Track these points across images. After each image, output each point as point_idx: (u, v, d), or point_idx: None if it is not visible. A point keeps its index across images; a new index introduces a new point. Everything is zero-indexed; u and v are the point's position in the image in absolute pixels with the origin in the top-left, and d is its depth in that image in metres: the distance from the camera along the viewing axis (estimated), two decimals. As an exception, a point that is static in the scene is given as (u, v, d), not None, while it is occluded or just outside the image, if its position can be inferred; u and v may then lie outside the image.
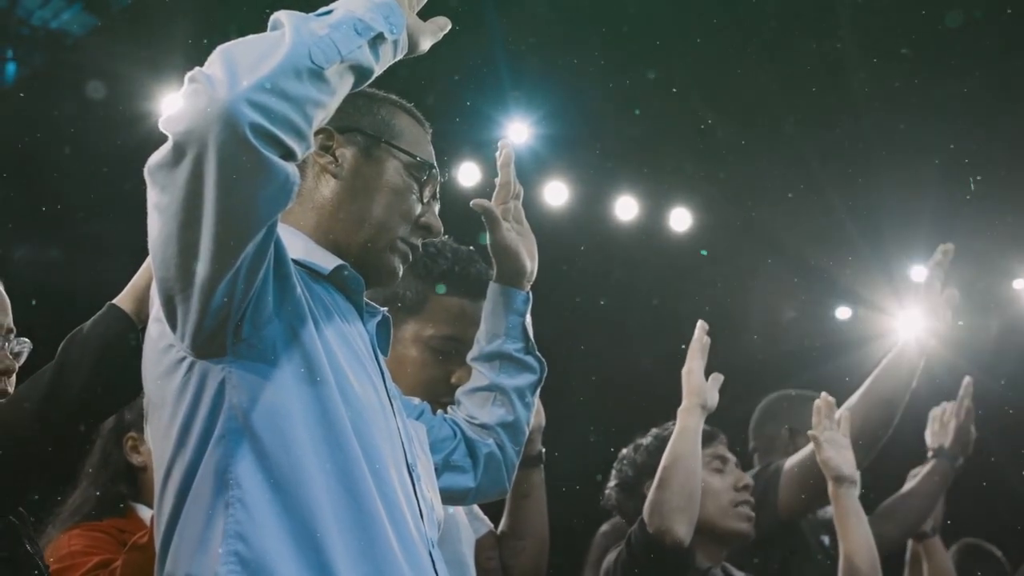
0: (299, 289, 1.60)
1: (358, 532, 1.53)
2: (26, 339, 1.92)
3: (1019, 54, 5.37)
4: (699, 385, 2.67)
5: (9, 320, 1.91)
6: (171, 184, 1.42)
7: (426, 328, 2.29)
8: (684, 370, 2.70)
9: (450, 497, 2.00)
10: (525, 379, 2.08)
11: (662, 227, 6.59)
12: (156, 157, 1.44)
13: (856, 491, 2.85)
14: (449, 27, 1.70)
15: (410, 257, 1.84)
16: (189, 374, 1.54)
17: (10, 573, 1.76)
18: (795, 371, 5.10)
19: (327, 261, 1.74)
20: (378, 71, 1.57)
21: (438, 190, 1.88)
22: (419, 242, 1.85)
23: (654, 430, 2.95)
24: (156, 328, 1.59)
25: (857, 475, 2.87)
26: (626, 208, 6.45)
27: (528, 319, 2.10)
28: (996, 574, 4.18)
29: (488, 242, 2.07)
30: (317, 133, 1.66)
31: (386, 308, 1.85)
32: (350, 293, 1.76)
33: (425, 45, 1.66)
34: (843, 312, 7.12)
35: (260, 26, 1.52)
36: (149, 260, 1.56)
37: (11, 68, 5.28)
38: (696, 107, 5.95)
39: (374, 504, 1.56)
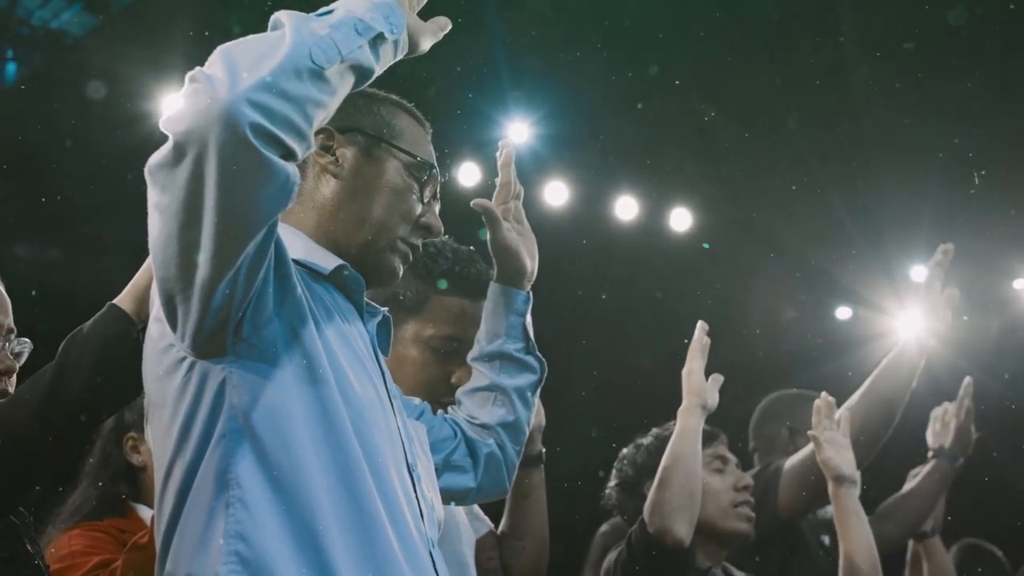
0: (299, 289, 1.60)
1: (358, 532, 1.53)
2: (26, 339, 1.92)
3: (1019, 54, 5.37)
4: (699, 385, 2.67)
5: (9, 320, 1.91)
6: (171, 184, 1.42)
7: (426, 328, 2.29)
8: (684, 370, 2.70)
9: (450, 497, 2.00)
10: (525, 379, 2.08)
11: (662, 227, 6.60)
12: (156, 157, 1.44)
13: (856, 491, 2.84)
14: (450, 27, 1.70)
15: (410, 257, 1.84)
16: (189, 374, 1.54)
17: (11, 573, 1.76)
18: (795, 371, 5.10)
19: (327, 261, 1.74)
20: (378, 71, 1.56)
21: (438, 190, 1.88)
22: (419, 242, 1.85)
23: (655, 430, 2.95)
24: (156, 328, 1.59)
25: (857, 475, 2.87)
26: (626, 208, 6.45)
27: (528, 319, 2.10)
28: (996, 574, 4.18)
29: (488, 242, 2.07)
30: (317, 133, 1.66)
31: (386, 308, 1.85)
32: (350, 293, 1.76)
33: (425, 45, 1.66)
34: (843, 312, 7.13)
35: (260, 26, 1.52)
36: (149, 260, 1.56)
37: (11, 68, 5.28)
38: (696, 107, 5.95)
39: (374, 504, 1.56)
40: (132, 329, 1.70)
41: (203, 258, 1.44)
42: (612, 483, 3.00)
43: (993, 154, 5.67)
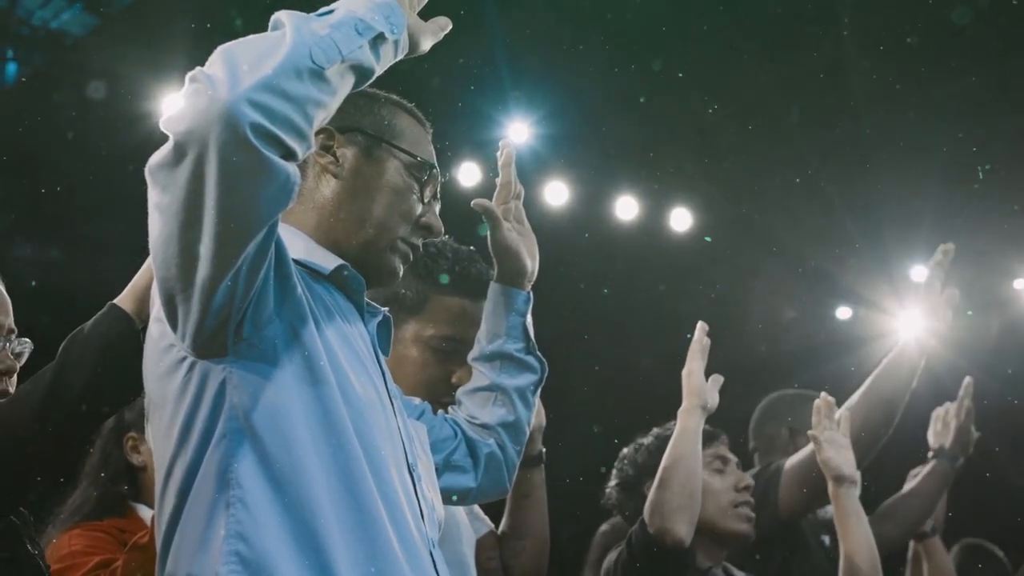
0: (300, 289, 1.60)
1: (359, 532, 1.53)
2: (27, 339, 1.92)
3: (1019, 54, 5.38)
4: (699, 386, 2.67)
5: (10, 320, 1.91)
6: (172, 184, 1.42)
7: (427, 328, 2.29)
8: (684, 371, 2.70)
9: (451, 497, 2.00)
10: (526, 379, 2.08)
11: (662, 227, 6.60)
12: (157, 157, 1.43)
13: (856, 491, 2.85)
14: (450, 27, 1.70)
15: (411, 257, 1.84)
16: (190, 374, 1.54)
17: (11, 573, 1.76)
18: (795, 371, 5.11)
19: (328, 261, 1.74)
20: (379, 71, 1.56)
21: (439, 190, 1.88)
22: (420, 242, 1.85)
23: (655, 430, 2.95)
24: (157, 328, 1.59)
25: (857, 475, 2.87)
26: (626, 208, 6.46)
27: (529, 319, 2.10)
28: (997, 574, 4.18)
29: (489, 242, 2.08)
30: (318, 133, 1.66)
31: (387, 308, 1.85)
32: (351, 293, 1.76)
33: (426, 45, 1.66)
34: (843, 312, 7.13)
35: (261, 26, 1.52)
36: (150, 260, 1.56)
37: (11, 68, 5.28)
38: (696, 107, 5.95)
39: (375, 504, 1.56)
40: (133, 329, 1.70)
41: (204, 258, 1.44)
42: (612, 482, 3.00)
43: (993, 154, 5.67)
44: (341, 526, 1.52)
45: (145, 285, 1.72)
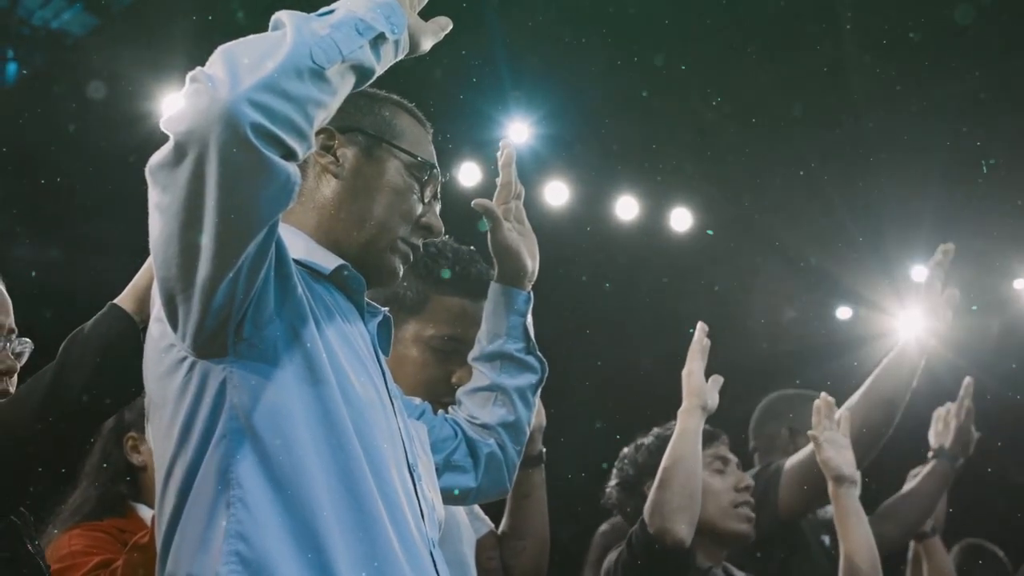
0: (300, 289, 1.60)
1: (359, 532, 1.53)
2: (27, 339, 1.92)
3: (1019, 54, 5.38)
4: (699, 386, 2.67)
5: (10, 320, 1.91)
6: (172, 184, 1.42)
7: (427, 328, 2.29)
8: (684, 371, 2.70)
9: (451, 497, 2.00)
10: (526, 379, 2.08)
11: (662, 227, 6.60)
12: (157, 157, 1.43)
13: (856, 491, 2.85)
14: (450, 27, 1.70)
15: (411, 257, 1.84)
16: (190, 374, 1.54)
17: (11, 573, 1.76)
18: (795, 371, 5.10)
19: (328, 261, 1.74)
20: (379, 71, 1.56)
21: (439, 190, 1.88)
22: (420, 242, 1.85)
23: (656, 429, 2.95)
24: (157, 328, 1.59)
25: (857, 475, 2.87)
26: (626, 208, 6.46)
27: (529, 319, 2.10)
28: (997, 574, 4.18)
29: (489, 242, 2.08)
30: (318, 133, 1.66)
31: (387, 308, 1.85)
32: (351, 293, 1.76)
33: (426, 45, 1.66)
34: (844, 312, 7.13)
35: (261, 25, 1.52)
36: (150, 260, 1.56)
37: (12, 68, 5.28)
38: (696, 106, 5.95)
39: (375, 504, 1.55)
40: (133, 329, 1.70)
41: (204, 258, 1.44)
42: (613, 482, 3.00)
43: (994, 154, 5.67)
44: (341, 526, 1.52)
45: (145, 285, 1.72)
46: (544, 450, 2.61)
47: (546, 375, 2.12)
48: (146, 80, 4.91)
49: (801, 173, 6.09)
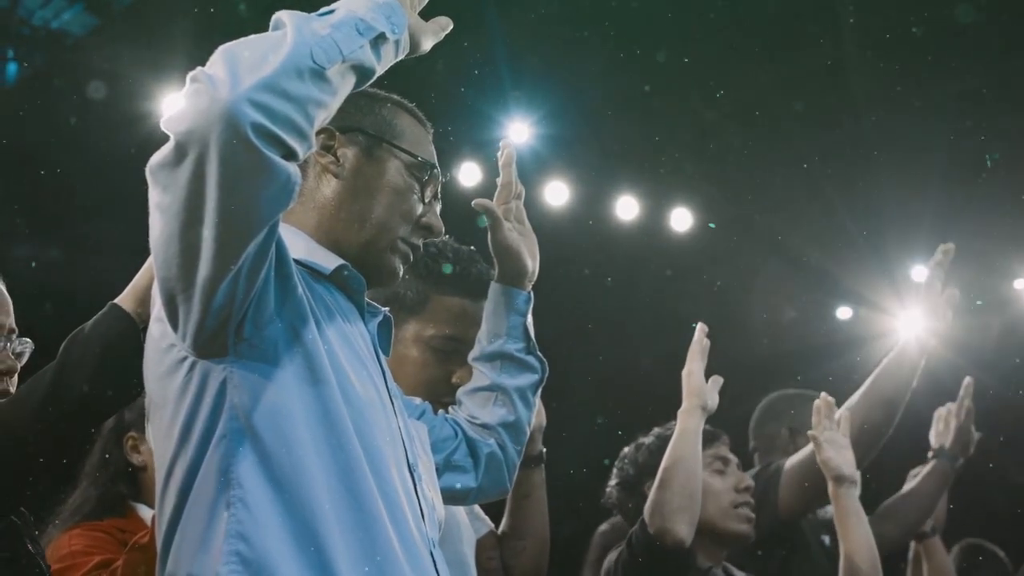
0: (300, 289, 1.60)
1: (359, 532, 1.53)
2: (27, 339, 1.92)
3: (1020, 53, 5.38)
4: (699, 387, 2.67)
5: (11, 320, 1.91)
6: (173, 184, 1.42)
7: (427, 328, 2.29)
8: (684, 372, 2.70)
9: (451, 497, 2.00)
10: (526, 379, 2.08)
11: (662, 227, 6.60)
12: (158, 157, 1.43)
13: (856, 491, 2.85)
14: (451, 27, 1.70)
15: (411, 257, 1.84)
16: (191, 374, 1.54)
17: (11, 573, 1.76)
18: (795, 371, 5.10)
19: (328, 261, 1.74)
20: (380, 71, 1.56)
21: (439, 190, 1.88)
22: (420, 242, 1.85)
23: (656, 429, 2.95)
24: (157, 328, 1.59)
25: (857, 475, 2.87)
26: (626, 208, 6.46)
27: (529, 319, 2.10)
28: (997, 574, 4.19)
29: (490, 242, 2.08)
30: (319, 133, 1.66)
31: (387, 308, 1.85)
32: (351, 293, 1.76)
33: (427, 45, 1.66)
34: (844, 312, 7.13)
35: (261, 26, 1.52)
36: (150, 260, 1.56)
37: (12, 68, 5.28)
38: (697, 106, 5.95)
39: (375, 504, 1.56)
40: (133, 329, 1.70)
41: (204, 258, 1.44)
42: (613, 482, 3.00)
43: (993, 154, 5.67)
44: (341, 526, 1.52)
45: (146, 285, 1.72)
46: (544, 450, 2.61)
47: (546, 375, 2.12)
48: (146, 80, 4.90)
49: (801, 173, 6.09)
